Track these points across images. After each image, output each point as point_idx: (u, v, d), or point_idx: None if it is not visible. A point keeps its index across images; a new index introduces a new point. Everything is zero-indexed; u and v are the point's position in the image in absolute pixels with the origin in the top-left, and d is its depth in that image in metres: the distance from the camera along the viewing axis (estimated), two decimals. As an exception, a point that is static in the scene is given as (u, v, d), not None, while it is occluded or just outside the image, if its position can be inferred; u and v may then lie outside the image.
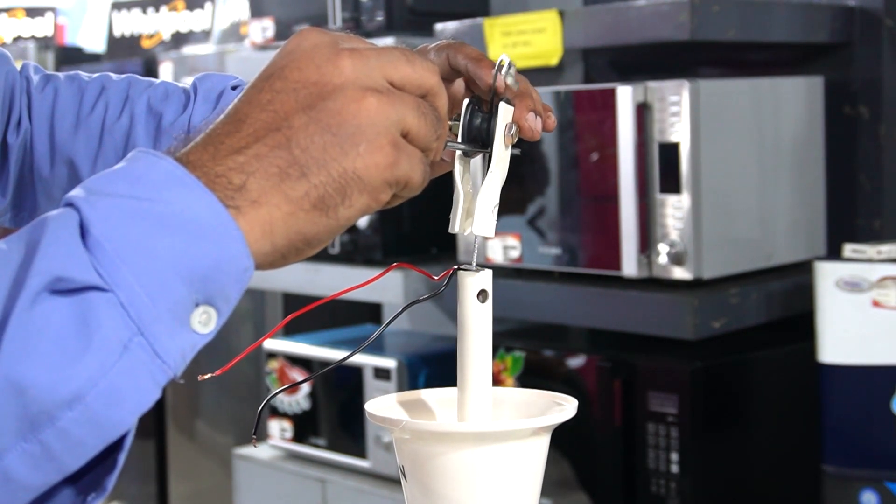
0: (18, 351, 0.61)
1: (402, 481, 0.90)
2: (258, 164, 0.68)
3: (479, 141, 0.92)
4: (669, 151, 2.00)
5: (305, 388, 2.65)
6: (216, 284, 0.66)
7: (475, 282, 0.90)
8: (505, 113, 0.92)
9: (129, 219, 0.63)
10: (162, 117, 1.18)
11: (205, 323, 0.66)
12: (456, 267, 0.91)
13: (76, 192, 0.65)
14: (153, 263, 0.63)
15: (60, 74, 1.23)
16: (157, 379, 0.64)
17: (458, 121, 0.93)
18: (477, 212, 0.90)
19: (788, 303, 2.11)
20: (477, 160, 0.95)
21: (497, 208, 0.91)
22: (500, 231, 2.23)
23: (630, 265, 2.04)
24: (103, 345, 0.62)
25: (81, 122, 1.20)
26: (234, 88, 1.18)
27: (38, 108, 1.21)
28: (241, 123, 0.69)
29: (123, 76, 1.23)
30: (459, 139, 0.92)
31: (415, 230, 2.52)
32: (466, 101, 0.93)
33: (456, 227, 0.91)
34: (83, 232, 0.63)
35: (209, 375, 0.93)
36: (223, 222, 0.65)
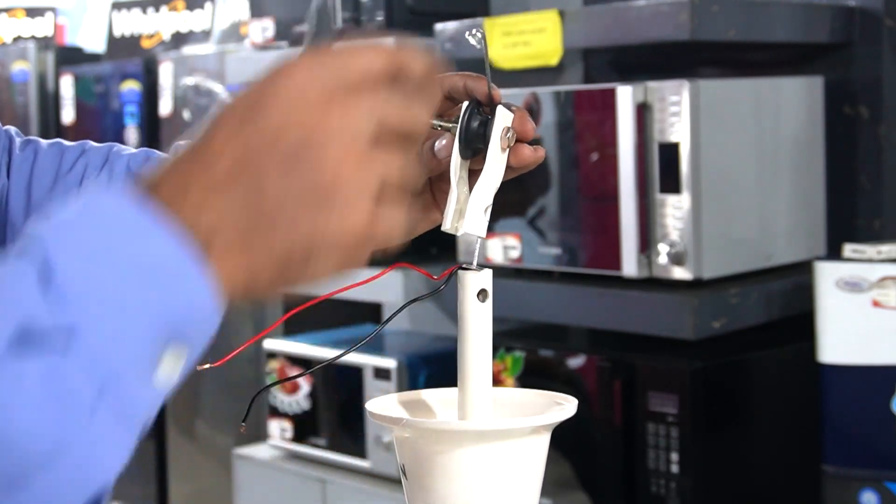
0: (3, 406, 0.58)
1: (403, 480, 0.91)
2: (228, 208, 0.64)
3: (477, 142, 0.93)
4: (669, 151, 2.00)
5: (305, 387, 2.65)
6: (186, 332, 0.64)
7: (475, 281, 0.90)
8: (503, 117, 0.93)
9: (98, 267, 0.61)
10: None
11: (171, 370, 0.64)
12: (458, 266, 0.91)
13: (40, 228, 0.62)
14: (121, 315, 0.61)
15: (42, 140, 1.25)
16: (129, 432, 0.63)
17: (457, 123, 0.94)
18: (468, 211, 0.91)
19: (788, 303, 2.11)
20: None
21: (490, 209, 0.91)
22: (500, 231, 2.24)
23: (630, 265, 2.04)
24: (76, 404, 0.60)
25: (60, 179, 1.21)
26: None
27: (18, 166, 1.22)
28: (217, 159, 0.64)
29: (105, 144, 1.24)
30: (457, 140, 0.93)
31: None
32: (466, 103, 0.94)
33: (447, 224, 0.92)
34: (48, 275, 0.60)
35: (207, 366, 0.93)
36: (192, 271, 0.63)
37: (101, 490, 0.63)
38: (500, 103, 0.94)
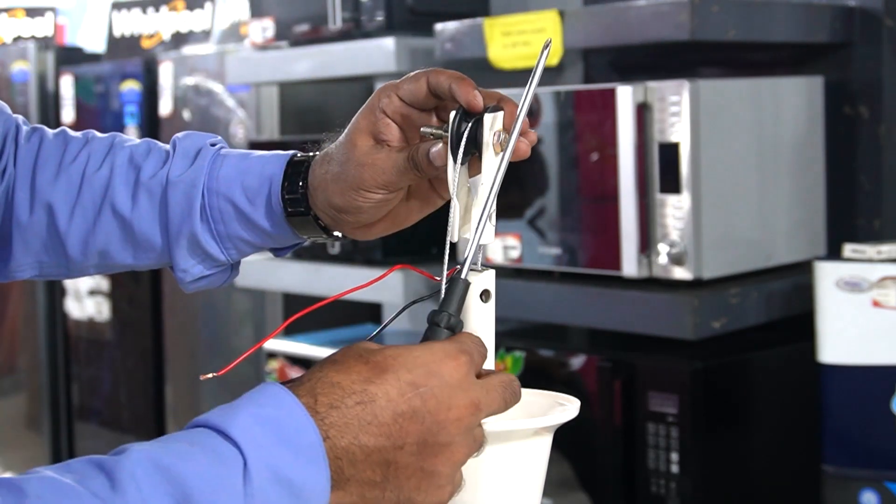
0: None
1: (404, 481, 0.90)
2: (363, 462, 0.82)
3: (469, 147, 0.93)
4: (669, 151, 2.00)
5: (305, 388, 2.65)
6: None
7: (478, 282, 0.90)
8: (493, 120, 0.92)
9: (276, 485, 0.79)
10: (141, 170, 1.20)
11: None
12: (459, 267, 0.91)
13: (245, 438, 0.79)
14: None
15: (47, 129, 1.25)
16: None
17: (447, 131, 0.94)
18: (473, 219, 0.91)
19: (788, 303, 2.11)
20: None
21: (494, 214, 0.91)
22: (500, 231, 2.24)
23: (630, 265, 2.04)
24: None
25: (63, 169, 1.21)
26: (212, 145, 1.20)
27: (23, 156, 1.22)
28: (375, 418, 0.82)
29: (108, 134, 1.25)
30: (449, 148, 0.93)
31: (415, 230, 2.51)
32: (454, 111, 0.94)
33: (455, 236, 0.92)
34: (245, 477, 0.78)
35: (211, 375, 0.94)
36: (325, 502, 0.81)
37: None
38: (487, 108, 0.93)
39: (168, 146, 1.22)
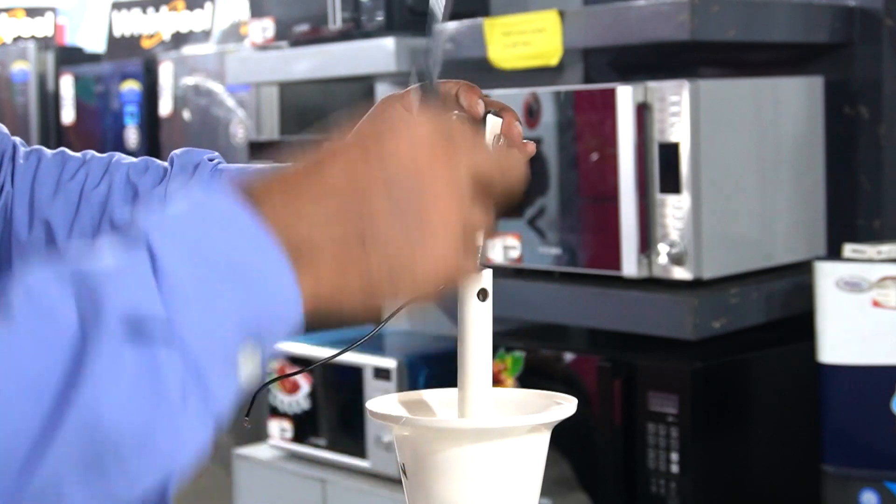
0: (103, 391, 0.62)
1: (403, 479, 0.91)
2: (326, 221, 0.69)
3: None
4: (669, 151, 2.00)
5: (305, 387, 2.65)
6: (266, 335, 0.68)
7: (476, 280, 0.90)
8: (492, 125, 0.94)
9: (198, 265, 0.65)
10: (139, 186, 1.21)
11: (247, 370, 0.68)
12: None
13: (149, 220, 0.66)
14: (214, 314, 0.65)
15: (46, 149, 1.26)
16: (208, 426, 0.66)
17: None
18: None
19: (788, 303, 2.11)
20: None
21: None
22: (499, 231, 2.24)
23: (630, 265, 2.04)
24: (169, 395, 0.63)
25: (61, 187, 1.22)
26: (210, 160, 1.20)
27: (21, 174, 1.23)
28: (323, 173, 0.70)
29: (106, 154, 1.26)
30: None
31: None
32: (455, 113, 0.95)
33: None
34: (154, 266, 0.64)
35: None
36: (285, 279, 0.67)
37: (172, 481, 0.66)
38: (489, 112, 0.95)
39: (166, 163, 1.23)
